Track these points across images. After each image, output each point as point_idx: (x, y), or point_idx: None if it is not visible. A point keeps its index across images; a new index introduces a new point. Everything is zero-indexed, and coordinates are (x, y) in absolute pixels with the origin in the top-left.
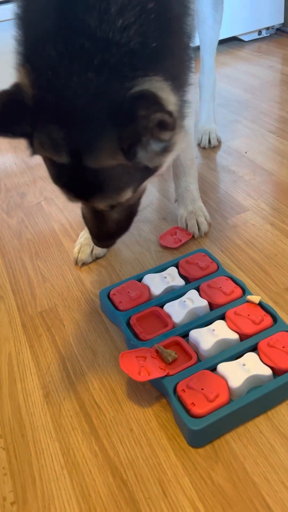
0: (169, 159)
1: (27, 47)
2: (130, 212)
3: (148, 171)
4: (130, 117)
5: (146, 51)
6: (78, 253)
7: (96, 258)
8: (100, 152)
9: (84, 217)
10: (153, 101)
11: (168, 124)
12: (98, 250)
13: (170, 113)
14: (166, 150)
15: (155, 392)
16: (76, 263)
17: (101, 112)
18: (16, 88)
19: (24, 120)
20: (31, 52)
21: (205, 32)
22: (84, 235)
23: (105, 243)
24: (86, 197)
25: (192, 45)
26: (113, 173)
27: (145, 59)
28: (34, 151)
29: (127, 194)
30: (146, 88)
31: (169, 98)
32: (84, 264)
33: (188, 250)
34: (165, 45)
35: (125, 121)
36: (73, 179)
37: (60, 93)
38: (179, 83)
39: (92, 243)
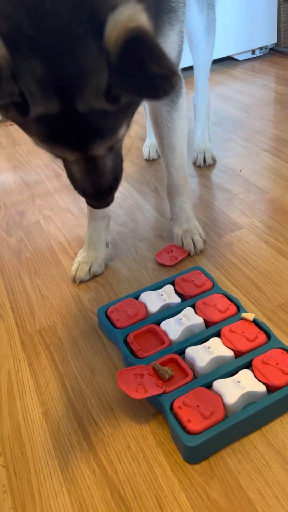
0: None
1: None
2: (120, 156)
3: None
4: (123, 66)
5: None
6: (76, 271)
7: (94, 276)
8: (91, 92)
9: (74, 181)
10: (149, 48)
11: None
12: (96, 268)
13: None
14: None
15: (152, 409)
16: (74, 281)
17: (88, 38)
18: None
19: (2, 80)
20: None
21: (198, 55)
22: (82, 254)
23: (105, 201)
24: (85, 146)
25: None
26: (109, 111)
27: None
28: (29, 111)
29: (123, 130)
30: (134, 20)
31: (146, 19)
32: (82, 282)
33: (184, 268)
34: None
35: (117, 67)
36: (69, 129)
37: (34, 18)
38: (153, 12)
39: (90, 261)
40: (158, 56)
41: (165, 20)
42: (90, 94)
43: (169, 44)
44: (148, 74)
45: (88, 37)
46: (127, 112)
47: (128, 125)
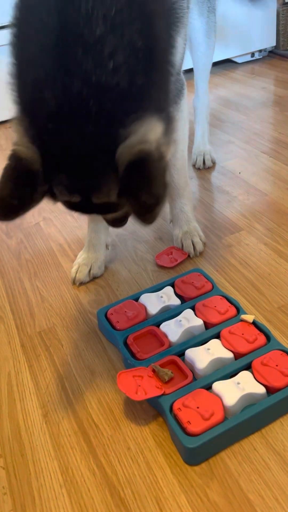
0: None
1: (24, 91)
2: None
3: None
4: (125, 184)
5: (135, 90)
6: (76, 273)
7: (94, 278)
8: (103, 194)
9: None
10: (148, 172)
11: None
12: (95, 270)
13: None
14: None
15: (152, 410)
16: (74, 283)
17: (102, 162)
18: (16, 162)
19: (38, 183)
20: (28, 100)
21: (198, 58)
22: (82, 256)
23: (120, 225)
24: (101, 214)
25: (174, 70)
26: (119, 201)
27: (135, 99)
28: (56, 200)
29: None
30: (140, 145)
31: (157, 134)
32: (82, 283)
33: (184, 270)
34: (152, 80)
35: (124, 183)
36: (88, 210)
37: (63, 146)
38: (165, 110)
39: (90, 263)
40: (151, 183)
41: (174, 30)
42: (103, 195)
43: (176, 49)
44: (139, 201)
45: (103, 161)
46: None
47: None
